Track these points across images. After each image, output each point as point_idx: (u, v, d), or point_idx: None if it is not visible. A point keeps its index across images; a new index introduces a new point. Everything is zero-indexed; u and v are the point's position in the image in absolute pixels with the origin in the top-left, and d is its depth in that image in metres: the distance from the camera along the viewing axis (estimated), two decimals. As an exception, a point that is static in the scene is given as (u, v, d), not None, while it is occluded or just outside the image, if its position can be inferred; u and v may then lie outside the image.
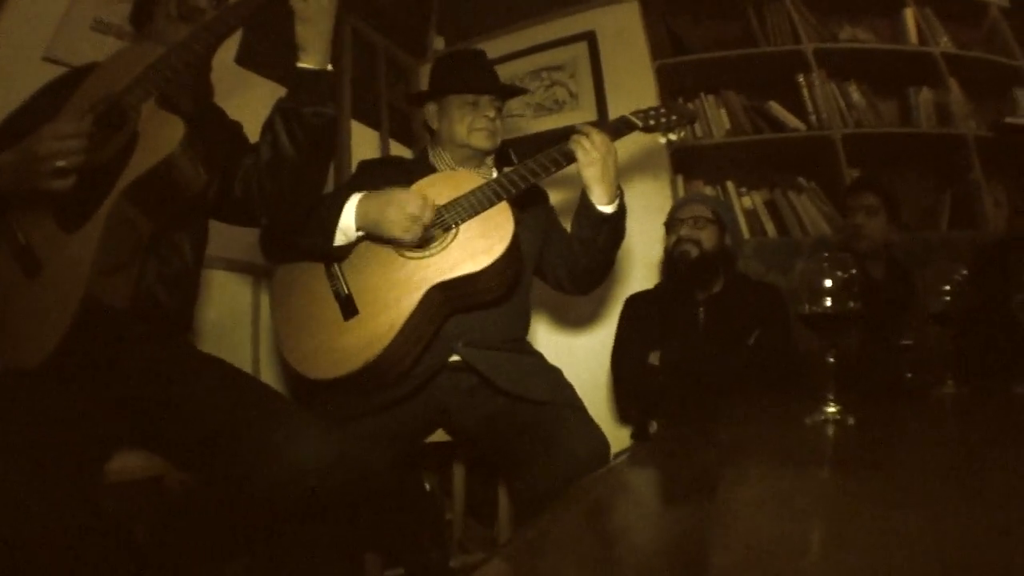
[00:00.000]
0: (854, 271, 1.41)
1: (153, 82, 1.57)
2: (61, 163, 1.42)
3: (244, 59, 2.72)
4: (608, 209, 2.12)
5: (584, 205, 2.16)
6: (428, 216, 1.98)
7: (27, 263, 1.51)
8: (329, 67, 1.74)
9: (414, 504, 2.24)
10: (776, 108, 3.47)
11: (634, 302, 2.90)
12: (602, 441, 1.99)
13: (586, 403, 2.14)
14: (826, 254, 1.42)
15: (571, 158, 2.11)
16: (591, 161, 2.08)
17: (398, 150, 3.49)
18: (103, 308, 1.49)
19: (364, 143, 3.31)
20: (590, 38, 3.59)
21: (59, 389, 1.49)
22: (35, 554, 1.24)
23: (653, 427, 2.52)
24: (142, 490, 1.67)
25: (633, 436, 2.78)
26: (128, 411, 1.59)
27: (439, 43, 3.86)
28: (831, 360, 1.42)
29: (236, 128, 1.97)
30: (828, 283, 1.40)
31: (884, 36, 3.52)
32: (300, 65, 1.71)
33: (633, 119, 2.24)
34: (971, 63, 3.38)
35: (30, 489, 1.25)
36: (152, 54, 1.62)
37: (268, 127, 1.76)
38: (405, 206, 1.96)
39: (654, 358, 2.62)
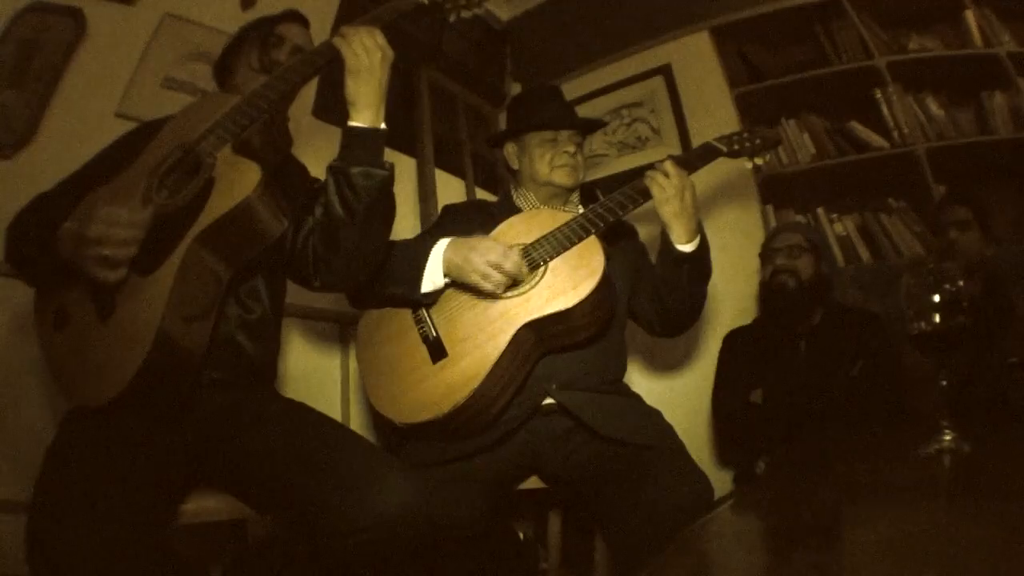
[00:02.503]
0: (961, 283, 1.29)
1: (227, 130, 1.53)
2: (106, 252, 1.37)
3: (320, 111, 2.72)
4: (688, 248, 1.98)
5: (664, 244, 2.02)
6: (510, 264, 1.88)
7: (102, 305, 1.47)
8: (382, 125, 1.63)
9: (506, 553, 2.09)
10: (858, 128, 3.29)
11: (733, 338, 2.76)
12: (706, 486, 1.81)
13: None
14: (930, 266, 1.31)
15: (647, 195, 1.99)
16: (666, 198, 1.96)
17: (484, 197, 3.39)
18: (178, 350, 1.44)
19: (450, 191, 3.26)
20: (666, 72, 3.48)
21: (130, 428, 1.45)
22: None
23: (760, 467, 2.39)
24: (222, 532, 1.61)
25: (735, 479, 2.68)
26: (206, 454, 1.55)
27: (515, 89, 3.80)
28: (944, 384, 1.29)
29: (315, 184, 1.89)
30: (936, 298, 1.28)
31: (949, 42, 3.33)
32: (350, 123, 1.61)
33: (718, 144, 2.11)
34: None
35: (98, 526, 1.22)
36: (226, 103, 1.59)
37: (322, 188, 1.68)
38: (487, 254, 1.88)
39: (756, 396, 2.48)
